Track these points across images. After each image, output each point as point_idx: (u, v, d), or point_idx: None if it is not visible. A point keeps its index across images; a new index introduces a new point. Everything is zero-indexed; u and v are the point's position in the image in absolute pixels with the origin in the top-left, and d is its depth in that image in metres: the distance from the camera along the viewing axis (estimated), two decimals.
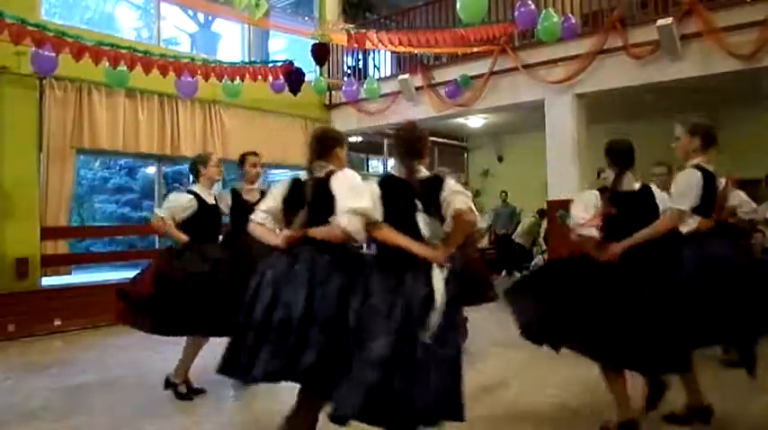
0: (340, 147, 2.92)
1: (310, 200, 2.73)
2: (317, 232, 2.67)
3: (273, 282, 2.61)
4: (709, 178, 3.15)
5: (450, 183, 2.62)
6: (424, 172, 2.70)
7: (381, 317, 2.42)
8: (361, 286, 2.56)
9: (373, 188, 2.68)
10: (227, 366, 2.61)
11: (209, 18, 11.99)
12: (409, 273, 2.50)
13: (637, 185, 3.24)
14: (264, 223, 2.84)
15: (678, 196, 3.10)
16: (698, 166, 3.17)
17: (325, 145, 2.88)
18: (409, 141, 2.77)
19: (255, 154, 4.50)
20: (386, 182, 2.76)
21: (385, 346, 2.36)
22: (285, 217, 2.84)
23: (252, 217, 2.89)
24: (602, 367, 3.15)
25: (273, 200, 2.88)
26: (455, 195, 2.57)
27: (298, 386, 2.71)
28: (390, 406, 2.30)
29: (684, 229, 3.12)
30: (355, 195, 2.63)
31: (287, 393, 3.67)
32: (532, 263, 10.80)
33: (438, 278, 2.48)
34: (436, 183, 2.63)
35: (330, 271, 2.61)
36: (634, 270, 3.00)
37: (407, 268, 2.51)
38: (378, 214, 2.61)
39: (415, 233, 2.56)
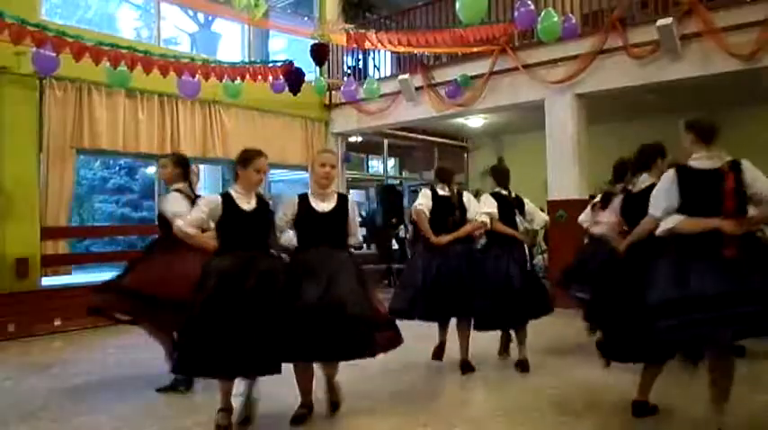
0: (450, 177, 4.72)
1: (455, 208, 4.51)
2: (463, 231, 4.46)
3: (432, 268, 4.37)
4: (687, 175, 3.01)
5: (528, 202, 4.87)
6: (513, 192, 4.77)
7: (508, 268, 4.50)
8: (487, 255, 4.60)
9: (492, 200, 4.60)
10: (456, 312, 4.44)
11: (209, 18, 11.96)
12: (515, 246, 4.60)
13: (647, 183, 3.35)
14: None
15: (652, 201, 3.11)
16: (674, 165, 3.11)
17: (448, 176, 4.67)
18: (507, 174, 4.81)
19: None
20: (497, 197, 4.64)
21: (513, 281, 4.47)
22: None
23: (417, 206, 4.52)
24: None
25: (426, 200, 4.52)
26: (537, 210, 4.96)
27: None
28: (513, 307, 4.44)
29: (658, 230, 3.06)
30: (485, 204, 4.58)
31: (287, 396, 3.67)
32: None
33: (527, 250, 4.79)
34: (521, 200, 4.82)
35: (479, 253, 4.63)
36: (634, 266, 3.20)
37: (513, 245, 4.60)
38: (497, 214, 4.53)
39: (513, 228, 4.65)
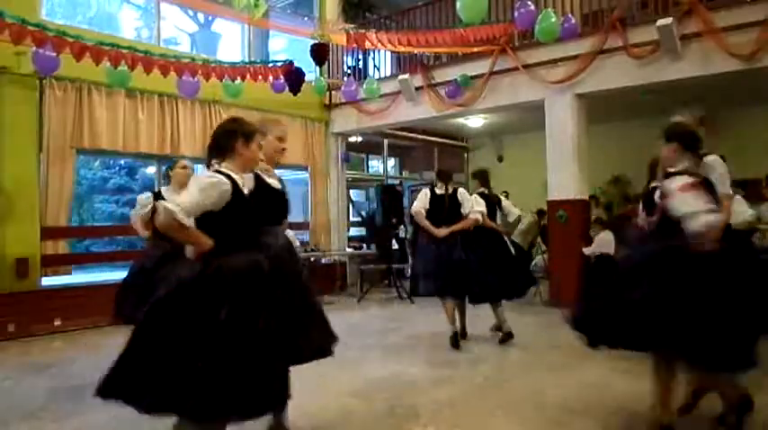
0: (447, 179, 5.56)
1: (448, 205, 5.33)
2: (461, 225, 5.28)
3: (442, 254, 5.23)
4: None
5: (504, 199, 6.04)
6: (492, 191, 5.89)
7: (488, 256, 5.40)
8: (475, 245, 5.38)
9: (481, 200, 5.49)
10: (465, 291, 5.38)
11: (209, 18, 11.97)
12: (495, 238, 5.57)
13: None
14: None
15: (725, 181, 2.97)
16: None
17: (445, 177, 5.53)
18: (488, 176, 5.85)
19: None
20: (482, 195, 5.60)
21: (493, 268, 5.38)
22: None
23: (414, 209, 5.40)
24: (655, 364, 2.97)
25: (422, 202, 5.38)
26: (511, 206, 6.01)
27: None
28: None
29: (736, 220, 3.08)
30: (476, 203, 5.41)
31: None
32: (532, 263, 10.78)
33: (509, 242, 5.83)
34: (498, 198, 5.92)
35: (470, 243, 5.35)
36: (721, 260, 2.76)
37: (494, 236, 5.58)
38: (486, 212, 5.44)
39: (494, 221, 5.69)
